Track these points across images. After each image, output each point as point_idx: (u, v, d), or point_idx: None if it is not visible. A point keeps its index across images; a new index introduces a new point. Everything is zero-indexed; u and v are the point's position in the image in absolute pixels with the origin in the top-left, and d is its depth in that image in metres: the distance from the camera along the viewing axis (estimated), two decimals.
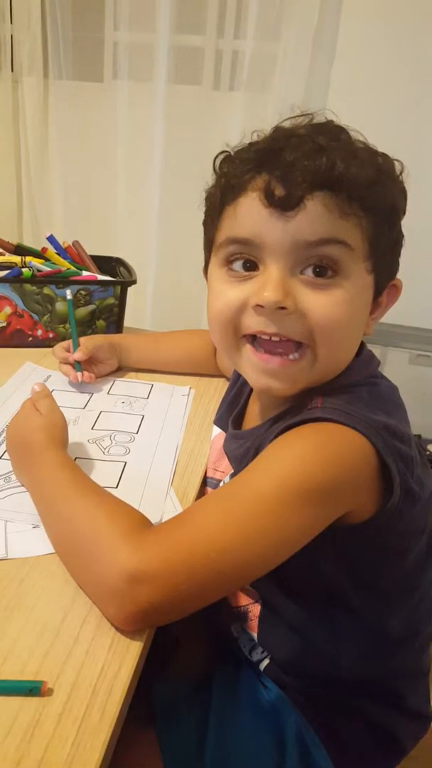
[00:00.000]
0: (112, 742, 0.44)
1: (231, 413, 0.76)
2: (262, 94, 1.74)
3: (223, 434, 0.77)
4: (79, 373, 0.95)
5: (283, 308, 0.55)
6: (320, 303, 0.56)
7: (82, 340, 0.99)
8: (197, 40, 1.77)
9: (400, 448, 0.56)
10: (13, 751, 0.42)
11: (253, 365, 0.60)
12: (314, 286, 0.56)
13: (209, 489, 0.78)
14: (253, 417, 0.73)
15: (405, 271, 0.64)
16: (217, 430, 0.82)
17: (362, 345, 0.66)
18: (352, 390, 0.60)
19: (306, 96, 1.69)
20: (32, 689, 0.46)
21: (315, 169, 0.54)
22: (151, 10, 1.72)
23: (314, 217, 0.54)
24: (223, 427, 0.78)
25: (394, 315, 0.69)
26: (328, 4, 1.63)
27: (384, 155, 0.59)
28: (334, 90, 1.69)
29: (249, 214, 0.57)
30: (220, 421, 0.81)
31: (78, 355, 0.95)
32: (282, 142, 0.56)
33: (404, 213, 0.60)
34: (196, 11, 1.74)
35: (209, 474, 0.79)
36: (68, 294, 1.04)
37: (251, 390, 0.75)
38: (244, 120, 1.71)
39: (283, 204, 0.54)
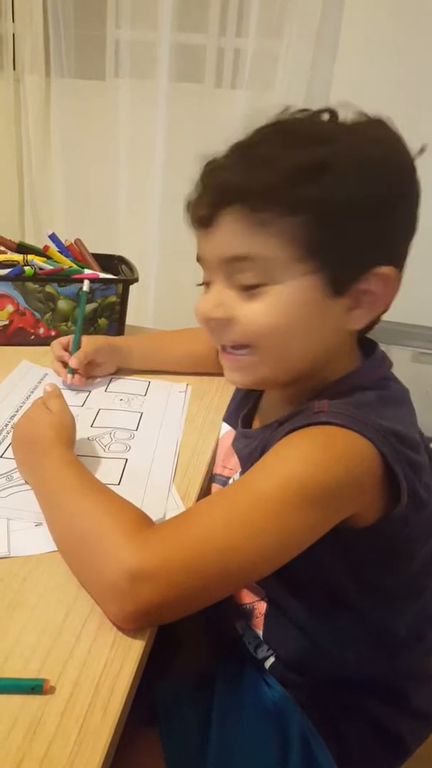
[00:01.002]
0: (114, 741, 0.44)
1: (241, 411, 0.76)
2: (265, 91, 1.73)
3: (233, 432, 0.77)
4: (69, 375, 0.94)
5: (212, 319, 0.60)
6: (247, 311, 0.58)
7: (85, 341, 0.98)
8: (199, 38, 1.77)
9: (408, 455, 0.56)
10: (15, 750, 0.42)
11: (223, 363, 0.66)
12: (245, 295, 0.58)
13: (216, 485, 0.78)
14: (263, 417, 0.73)
15: (407, 269, 0.63)
16: (226, 427, 0.82)
17: (375, 345, 0.66)
18: (361, 394, 0.59)
19: (308, 93, 1.69)
20: (34, 688, 0.46)
21: (219, 186, 0.57)
22: (152, 8, 1.72)
23: (227, 233, 0.57)
24: (233, 425, 0.78)
25: (397, 313, 0.68)
26: (330, 1, 1.62)
27: (343, 141, 0.55)
28: (337, 87, 1.68)
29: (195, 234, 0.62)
30: (229, 419, 0.81)
31: (73, 362, 0.94)
32: (206, 164, 0.60)
33: (382, 199, 0.55)
34: (198, 9, 1.73)
35: (217, 471, 0.79)
36: (85, 285, 1.04)
37: (263, 390, 0.75)
38: (247, 118, 1.71)
39: (202, 223, 0.59)
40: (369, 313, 0.59)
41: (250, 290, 0.58)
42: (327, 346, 0.61)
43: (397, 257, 0.59)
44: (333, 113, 0.58)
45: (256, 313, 0.58)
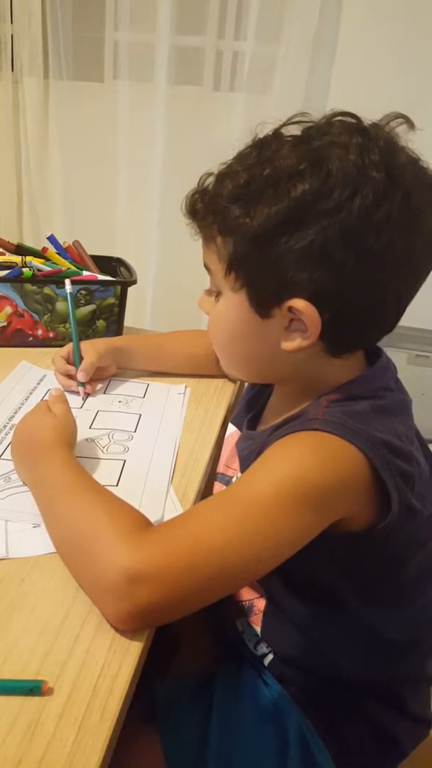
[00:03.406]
0: (113, 742, 0.44)
1: (248, 413, 0.76)
2: (263, 95, 1.74)
3: (239, 432, 0.78)
4: (81, 388, 0.93)
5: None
6: (210, 315, 0.67)
7: (85, 349, 0.95)
8: (198, 41, 1.77)
9: (400, 465, 0.56)
10: (13, 751, 0.42)
11: None
12: (215, 300, 0.65)
13: (219, 484, 0.79)
14: (267, 420, 0.73)
15: None
16: (233, 427, 0.82)
17: (380, 354, 0.67)
18: (356, 403, 0.60)
19: (306, 97, 1.69)
20: (33, 689, 0.46)
21: (192, 201, 0.63)
22: (151, 11, 1.73)
23: (202, 242, 0.64)
24: (239, 426, 0.78)
25: None
26: (329, 5, 1.63)
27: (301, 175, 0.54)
28: (335, 91, 1.69)
29: None
30: (236, 420, 0.81)
31: (82, 377, 0.92)
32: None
33: (297, 228, 0.54)
34: (197, 12, 1.74)
35: (221, 470, 0.79)
36: (68, 286, 0.99)
37: (270, 392, 0.75)
38: (245, 121, 1.71)
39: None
40: (302, 339, 0.59)
41: (215, 296, 0.65)
42: (291, 360, 0.61)
43: (322, 294, 0.56)
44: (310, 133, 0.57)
45: (211, 316, 0.66)
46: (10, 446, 0.73)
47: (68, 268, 1.13)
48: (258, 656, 0.71)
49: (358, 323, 0.59)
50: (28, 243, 1.19)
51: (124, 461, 0.77)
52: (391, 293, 0.58)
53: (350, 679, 0.68)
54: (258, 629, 0.71)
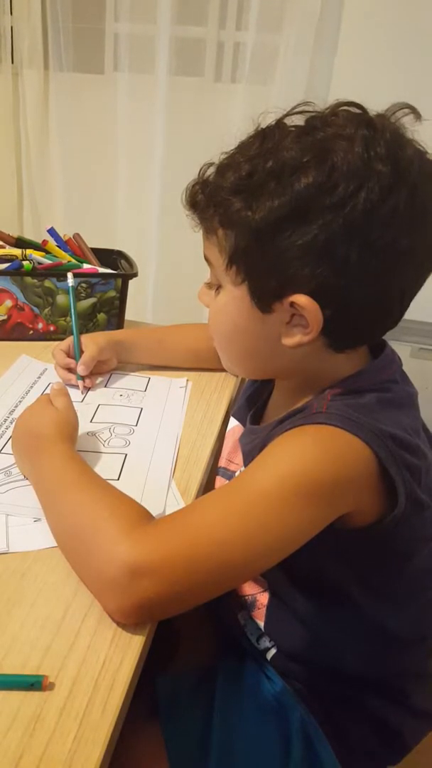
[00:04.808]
0: (114, 736, 0.44)
1: (251, 407, 0.76)
2: (265, 86, 1.73)
3: (241, 427, 0.77)
4: (80, 382, 0.93)
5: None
6: (211, 308, 0.65)
7: (86, 342, 0.95)
8: (199, 32, 1.76)
9: (406, 458, 0.56)
10: (14, 746, 0.42)
11: None
12: (214, 293, 0.65)
13: (221, 479, 0.78)
14: (270, 414, 0.73)
15: None
16: (234, 422, 0.82)
17: (383, 347, 0.66)
18: (360, 396, 0.59)
19: (308, 88, 1.68)
20: (34, 684, 0.45)
21: (193, 193, 0.62)
22: (151, 1, 1.71)
23: (203, 234, 0.62)
24: (241, 420, 0.78)
25: None
26: None
27: (302, 168, 0.53)
28: (337, 82, 1.68)
29: None
30: (238, 414, 0.81)
31: (82, 370, 0.92)
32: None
33: (299, 223, 0.53)
34: (198, 2, 1.72)
35: (223, 464, 0.79)
36: (70, 279, 0.99)
37: (273, 387, 0.75)
38: (246, 112, 1.69)
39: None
40: (302, 334, 0.58)
41: (216, 289, 0.64)
42: (292, 355, 0.60)
43: (324, 290, 0.55)
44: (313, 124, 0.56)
45: (210, 310, 0.65)
46: (10, 440, 0.73)
47: (69, 261, 1.12)
48: (260, 650, 0.71)
49: (361, 319, 0.58)
50: (28, 236, 1.18)
51: (126, 455, 0.77)
52: (394, 289, 0.57)
53: (354, 673, 0.68)
54: (261, 623, 0.70)
